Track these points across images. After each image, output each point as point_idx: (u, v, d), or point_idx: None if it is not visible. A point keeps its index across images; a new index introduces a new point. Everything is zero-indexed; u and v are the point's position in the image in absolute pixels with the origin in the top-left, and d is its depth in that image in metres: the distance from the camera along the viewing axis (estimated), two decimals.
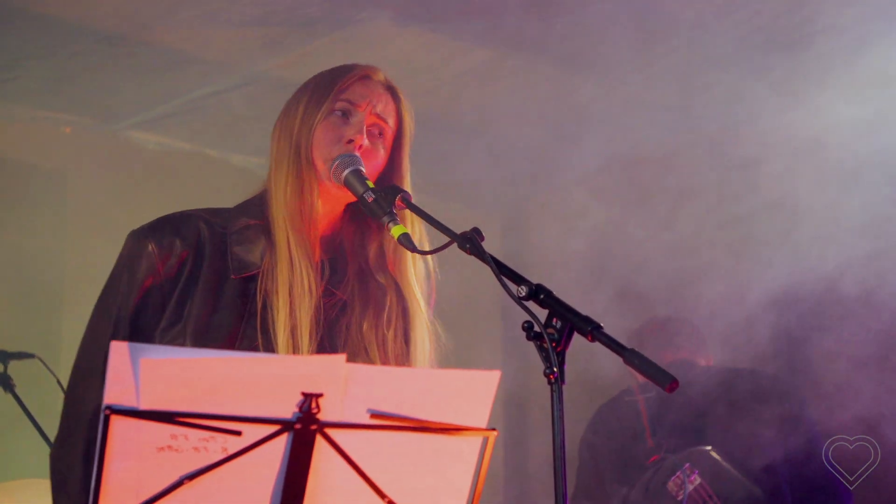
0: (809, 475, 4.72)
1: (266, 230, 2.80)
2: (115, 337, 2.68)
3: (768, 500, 4.66)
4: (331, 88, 2.85)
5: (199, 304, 2.72)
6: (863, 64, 4.94)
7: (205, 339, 2.69)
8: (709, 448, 4.72)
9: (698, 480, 4.63)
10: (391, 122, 2.89)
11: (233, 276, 2.76)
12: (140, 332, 2.71)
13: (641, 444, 4.85)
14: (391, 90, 2.93)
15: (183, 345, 2.67)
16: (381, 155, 2.85)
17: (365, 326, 2.84)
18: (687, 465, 4.66)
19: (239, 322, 2.73)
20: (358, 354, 2.80)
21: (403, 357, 2.86)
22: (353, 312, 2.85)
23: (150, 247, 2.75)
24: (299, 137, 2.82)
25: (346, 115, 2.84)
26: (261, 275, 2.75)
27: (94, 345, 2.74)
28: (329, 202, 2.84)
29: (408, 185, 2.90)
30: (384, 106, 2.89)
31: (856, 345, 5.12)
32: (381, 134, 2.86)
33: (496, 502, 6.84)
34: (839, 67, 4.98)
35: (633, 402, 4.97)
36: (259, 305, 2.73)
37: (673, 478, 4.66)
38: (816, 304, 5.21)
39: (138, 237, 2.78)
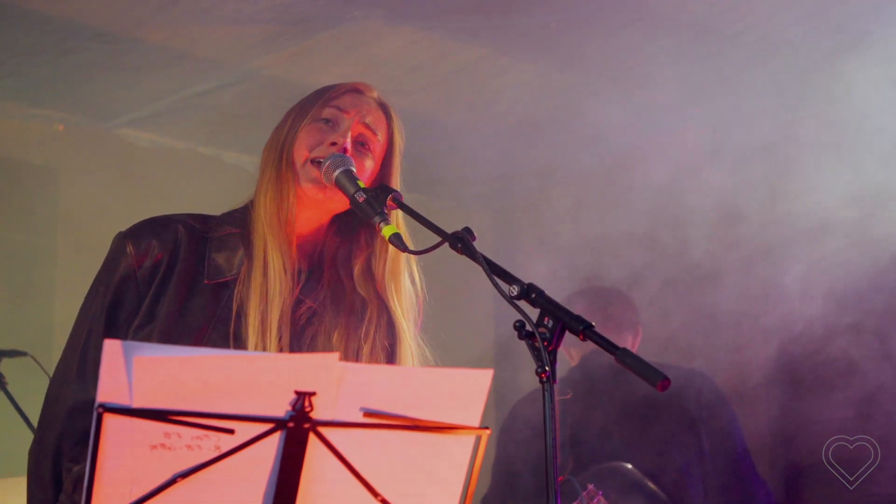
0: (727, 474, 4.64)
1: (246, 239, 2.81)
2: (91, 335, 2.73)
3: None
4: (319, 97, 2.87)
5: (169, 306, 2.74)
6: None
7: (171, 340, 2.71)
8: (621, 464, 4.61)
9: (602, 501, 4.46)
10: (381, 135, 2.89)
11: (206, 281, 2.78)
12: (115, 329, 2.74)
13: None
14: (383, 107, 2.93)
15: None
16: (369, 166, 2.85)
17: (335, 337, 2.84)
18: (590, 486, 4.49)
19: (206, 326, 2.74)
20: None
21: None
22: (322, 322, 2.85)
23: (128, 248, 2.78)
24: (284, 143, 2.84)
25: (332, 122, 2.84)
26: (238, 282, 2.77)
27: (72, 344, 2.79)
28: (311, 209, 2.84)
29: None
30: (374, 119, 2.88)
31: None
32: (368, 146, 2.86)
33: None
34: None
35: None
36: (233, 312, 2.74)
37: (575, 502, 4.47)
38: None
39: (119, 239, 2.82)
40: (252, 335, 2.70)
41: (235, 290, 2.75)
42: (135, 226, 2.85)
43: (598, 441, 4.71)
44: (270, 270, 2.75)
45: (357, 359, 2.84)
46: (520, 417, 4.95)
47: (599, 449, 4.69)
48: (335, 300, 2.86)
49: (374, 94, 2.93)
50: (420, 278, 2.96)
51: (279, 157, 2.83)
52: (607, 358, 4.65)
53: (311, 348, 2.82)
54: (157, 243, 2.79)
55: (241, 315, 2.73)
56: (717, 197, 5.29)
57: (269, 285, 2.74)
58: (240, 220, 2.85)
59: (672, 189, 5.40)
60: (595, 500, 4.48)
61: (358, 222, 2.90)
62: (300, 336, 2.83)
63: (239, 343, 2.71)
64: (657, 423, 4.64)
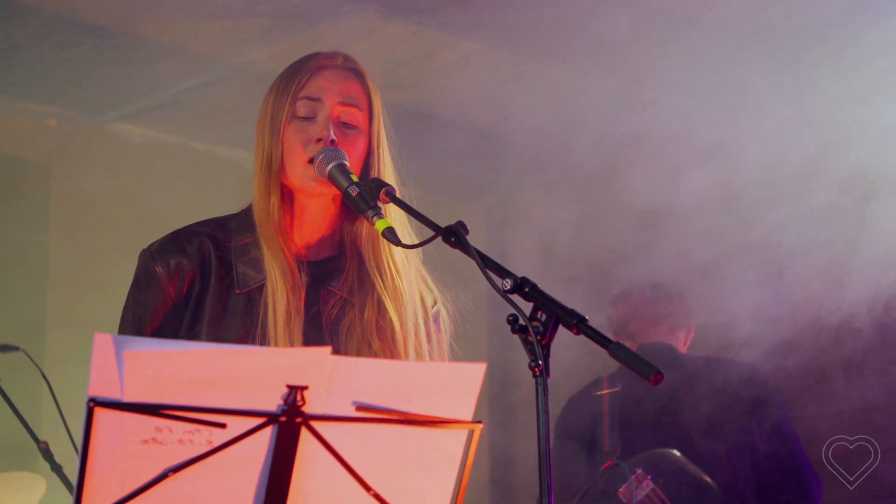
0: (778, 471, 4.67)
1: (256, 245, 2.81)
2: None
3: (727, 500, 4.60)
4: (289, 89, 2.81)
5: (209, 321, 2.75)
6: None
7: None
8: (669, 451, 4.66)
9: (650, 486, 4.54)
10: (361, 105, 2.84)
11: (238, 291, 2.78)
12: None
13: (599, 448, 4.78)
14: (353, 71, 2.86)
15: None
16: (362, 142, 2.82)
17: (366, 319, 2.82)
18: (639, 470, 4.57)
19: (246, 336, 2.74)
20: (362, 350, 2.77)
21: (396, 343, 2.83)
22: (354, 308, 2.83)
23: (157, 270, 2.77)
24: (271, 148, 2.80)
25: (309, 114, 2.80)
26: (264, 288, 2.76)
27: None
28: (318, 201, 2.83)
29: (385, 164, 2.87)
30: (349, 91, 2.82)
31: None
32: (352, 123, 2.81)
33: (482, 495, 6.85)
34: None
35: (599, 397, 4.89)
36: (260, 318, 2.74)
37: (624, 485, 4.57)
38: None
39: (146, 260, 2.81)
40: (270, 343, 2.71)
41: (262, 297, 2.75)
42: (160, 244, 2.82)
43: (647, 429, 4.75)
44: (270, 277, 2.75)
45: (382, 335, 2.80)
46: (572, 412, 4.99)
47: (648, 437, 4.73)
48: (360, 282, 2.84)
49: (340, 62, 2.86)
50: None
51: (267, 165, 2.80)
52: (658, 356, 4.76)
53: (349, 337, 2.80)
54: (186, 261, 2.78)
55: (265, 323, 2.74)
56: (717, 191, 5.29)
57: (272, 292, 2.74)
58: (252, 228, 2.83)
59: (669, 183, 5.40)
60: (644, 484, 4.56)
61: None
62: (336, 328, 2.81)
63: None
64: (707, 413, 4.67)
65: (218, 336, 2.74)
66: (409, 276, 2.88)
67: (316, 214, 2.85)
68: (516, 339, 2.28)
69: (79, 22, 5.12)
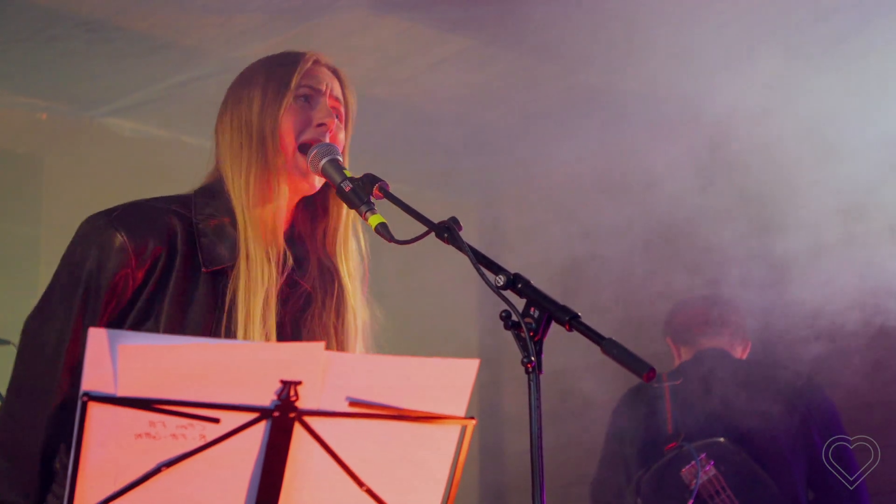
0: (830, 478, 4.76)
1: (233, 226, 2.75)
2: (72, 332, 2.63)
3: (782, 499, 4.70)
4: (289, 75, 2.81)
5: (173, 301, 2.66)
6: None
7: (179, 334, 2.64)
8: (728, 440, 4.76)
9: (713, 472, 4.68)
10: (343, 104, 2.88)
11: (203, 270, 2.70)
12: (113, 327, 2.64)
13: (662, 431, 4.87)
14: (336, 73, 2.90)
15: None
16: (342, 139, 2.84)
17: (324, 315, 2.82)
18: (703, 454, 4.71)
19: (210, 318, 2.68)
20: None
21: (344, 339, 2.85)
22: (317, 302, 2.83)
23: (121, 241, 2.64)
24: (262, 126, 2.77)
25: (308, 99, 2.81)
26: (232, 272, 2.71)
27: (49, 327, 2.66)
28: (291, 191, 2.81)
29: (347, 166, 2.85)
30: (338, 89, 2.87)
31: None
32: (340, 118, 2.85)
33: (472, 491, 6.86)
34: None
35: (660, 388, 4.99)
36: (227, 302, 2.69)
37: (688, 466, 4.71)
38: None
39: (107, 228, 2.67)
40: (240, 327, 2.67)
41: (230, 280, 2.70)
42: (124, 214, 2.70)
43: (708, 421, 4.84)
44: (252, 261, 2.70)
45: (336, 330, 2.82)
46: (632, 402, 5.08)
47: (708, 428, 4.82)
48: (321, 278, 2.84)
49: (329, 62, 2.90)
50: (363, 238, 2.92)
51: (261, 141, 2.76)
52: (715, 360, 4.84)
53: (312, 329, 2.80)
54: (155, 237, 2.67)
55: (233, 306, 2.68)
56: (715, 190, 5.31)
57: (251, 276, 2.70)
58: (222, 206, 2.76)
59: (662, 181, 5.41)
60: (707, 469, 4.68)
61: (315, 193, 2.88)
62: (298, 320, 2.80)
63: (229, 335, 2.66)
64: (764, 417, 4.77)
65: (181, 318, 2.66)
66: (349, 267, 2.89)
67: (287, 206, 2.84)
68: (507, 334, 2.28)
69: (70, 16, 5.11)
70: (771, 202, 5.29)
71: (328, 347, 2.71)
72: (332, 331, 2.83)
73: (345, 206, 2.78)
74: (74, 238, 2.73)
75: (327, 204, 2.89)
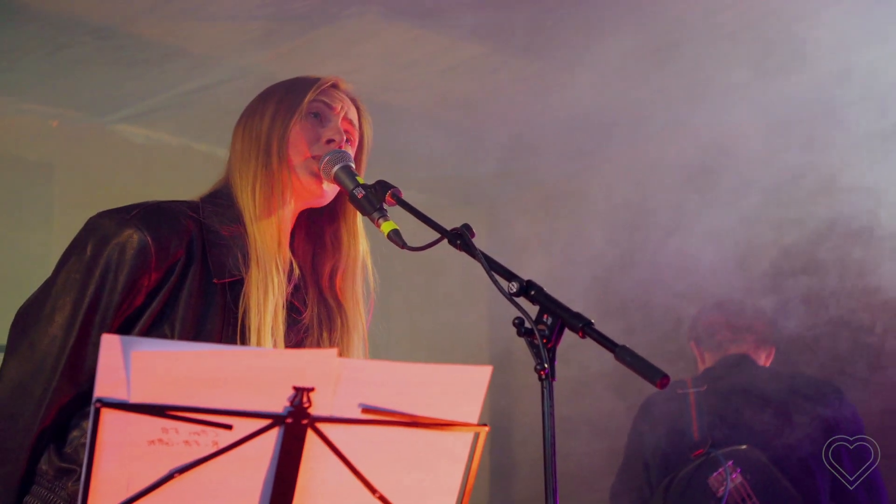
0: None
1: (243, 236, 2.75)
2: (80, 332, 2.58)
3: None
4: (304, 92, 2.83)
5: (187, 307, 2.65)
6: None
7: (193, 341, 2.63)
8: (754, 448, 4.76)
9: (739, 479, 4.70)
10: (357, 132, 2.89)
11: (215, 280, 2.69)
12: (122, 329, 2.61)
13: (688, 437, 4.87)
14: (354, 102, 2.92)
15: None
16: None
17: (321, 346, 2.85)
18: (730, 462, 4.72)
19: (222, 327, 2.68)
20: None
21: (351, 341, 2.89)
22: (313, 336, 2.85)
23: (142, 240, 2.61)
24: (270, 137, 2.78)
25: (319, 117, 2.83)
26: (244, 282, 2.70)
27: (49, 332, 2.60)
28: (297, 204, 2.82)
29: None
30: (352, 114, 2.89)
31: None
32: (351, 142, 2.86)
33: (482, 499, 6.85)
34: None
35: (685, 395, 4.99)
36: (241, 313, 2.68)
37: (715, 474, 4.73)
38: None
39: (124, 225, 2.62)
40: (253, 335, 2.67)
41: (243, 291, 2.70)
42: (145, 214, 2.66)
43: (732, 428, 4.85)
44: (263, 272, 2.70)
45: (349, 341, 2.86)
46: (653, 410, 5.07)
47: (732, 435, 4.84)
48: (319, 312, 2.86)
49: (349, 88, 2.92)
50: (374, 277, 2.93)
51: (267, 152, 2.77)
52: (740, 366, 4.85)
53: (310, 339, 2.83)
54: (176, 240, 2.65)
55: (246, 316, 2.68)
56: (727, 187, 5.30)
57: (262, 286, 2.69)
58: (230, 214, 2.76)
59: (672, 184, 5.40)
60: (734, 476, 4.69)
61: (324, 221, 2.90)
62: (301, 326, 2.84)
63: (244, 343, 2.65)
64: (789, 425, 4.78)
65: (195, 325, 2.64)
66: (359, 307, 2.91)
67: (290, 220, 2.85)
68: (520, 340, 2.28)
69: (82, 23, 5.12)
70: None
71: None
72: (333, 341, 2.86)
73: (359, 242, 2.84)
74: (84, 233, 2.68)
75: (340, 239, 2.90)
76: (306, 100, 2.81)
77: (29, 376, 2.59)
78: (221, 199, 2.80)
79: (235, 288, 2.71)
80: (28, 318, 2.64)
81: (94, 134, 6.01)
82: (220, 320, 2.68)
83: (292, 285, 2.81)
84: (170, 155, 6.17)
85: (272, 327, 2.69)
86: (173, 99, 5.81)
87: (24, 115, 5.86)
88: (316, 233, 2.93)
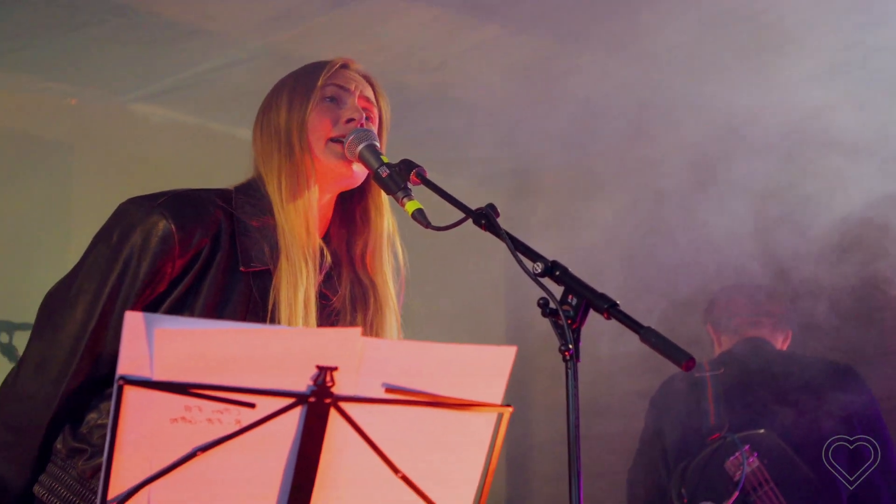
0: (869, 473, 4.75)
1: (272, 228, 2.74)
2: (115, 318, 2.59)
3: (823, 492, 4.69)
4: (316, 77, 2.81)
5: (209, 296, 2.65)
6: None
7: None
8: (771, 432, 4.76)
9: (756, 463, 4.70)
10: (376, 108, 2.88)
11: (241, 269, 2.69)
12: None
13: (704, 421, 4.87)
14: (368, 79, 2.90)
15: None
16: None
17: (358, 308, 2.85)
18: (747, 446, 4.72)
19: (244, 317, 2.67)
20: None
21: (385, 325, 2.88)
22: (345, 319, 2.84)
23: (166, 227, 2.61)
24: (289, 128, 2.77)
25: (335, 100, 2.81)
26: (274, 273, 2.70)
27: (73, 314, 2.62)
28: (326, 188, 2.81)
29: None
30: (370, 92, 2.87)
31: None
32: (371, 119, 2.84)
33: (499, 479, 6.86)
34: None
35: (701, 378, 4.99)
36: (270, 304, 2.68)
37: (732, 458, 4.73)
38: None
39: (151, 211, 2.63)
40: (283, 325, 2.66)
41: (273, 282, 2.69)
42: (173, 201, 2.65)
43: (748, 412, 4.86)
44: (293, 262, 2.70)
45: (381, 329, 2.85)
46: (669, 394, 5.07)
47: (748, 419, 4.84)
48: (352, 294, 2.86)
49: (360, 68, 2.90)
50: (403, 253, 2.92)
51: (288, 143, 2.77)
52: (757, 350, 4.84)
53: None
54: (202, 229, 2.65)
55: (276, 307, 2.67)
56: (736, 179, 5.28)
57: (291, 276, 2.69)
58: (261, 205, 2.76)
59: (691, 168, 5.38)
60: (750, 460, 4.70)
61: (354, 201, 2.89)
62: (331, 317, 2.83)
63: None
64: (806, 404, 4.77)
65: (214, 315, 2.64)
66: (389, 285, 2.90)
67: (320, 206, 2.83)
68: (536, 322, 2.27)
69: (100, 2, 5.12)
70: None
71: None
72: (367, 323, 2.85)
73: (384, 218, 2.83)
74: (113, 219, 2.70)
75: (368, 215, 2.89)
76: (319, 84, 2.80)
77: (49, 358, 2.62)
78: (253, 191, 2.80)
79: (262, 279, 2.71)
80: (54, 301, 2.67)
81: (112, 112, 6.02)
82: (243, 310, 2.68)
83: (323, 273, 2.80)
84: (188, 134, 6.17)
85: (303, 319, 2.69)
86: (191, 78, 5.81)
87: (43, 94, 5.86)
88: (349, 214, 2.91)
